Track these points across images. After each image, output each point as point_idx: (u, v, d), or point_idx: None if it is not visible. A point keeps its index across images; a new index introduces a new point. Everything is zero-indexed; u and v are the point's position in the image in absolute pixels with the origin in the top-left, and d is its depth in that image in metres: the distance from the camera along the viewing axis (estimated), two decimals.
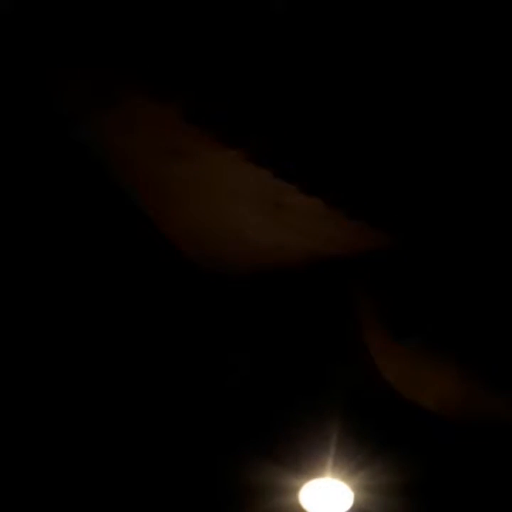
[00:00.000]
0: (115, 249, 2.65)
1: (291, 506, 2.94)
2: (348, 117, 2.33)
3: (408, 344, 2.63)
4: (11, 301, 2.69)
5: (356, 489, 2.91)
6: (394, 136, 2.35)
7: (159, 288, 2.73)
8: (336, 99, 2.30)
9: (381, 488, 2.89)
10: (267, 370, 2.88)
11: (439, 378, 2.61)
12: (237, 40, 2.22)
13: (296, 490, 2.93)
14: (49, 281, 2.69)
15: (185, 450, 2.93)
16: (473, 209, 2.47)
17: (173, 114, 2.26)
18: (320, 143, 2.36)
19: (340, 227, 2.48)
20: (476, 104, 2.32)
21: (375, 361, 2.69)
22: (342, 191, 2.41)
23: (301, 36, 2.23)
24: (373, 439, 2.85)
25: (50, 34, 2.21)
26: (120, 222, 2.59)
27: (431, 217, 2.48)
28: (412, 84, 2.29)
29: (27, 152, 2.43)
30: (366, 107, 2.31)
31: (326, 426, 2.83)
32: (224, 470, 2.92)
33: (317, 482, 2.92)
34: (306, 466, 2.90)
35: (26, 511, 2.89)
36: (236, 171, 2.38)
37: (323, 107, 2.31)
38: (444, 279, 2.58)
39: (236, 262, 2.66)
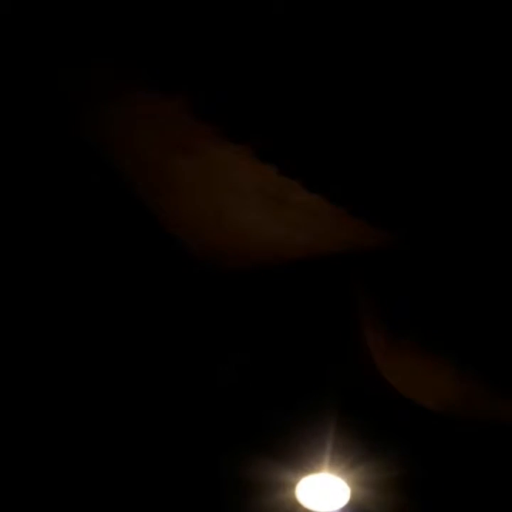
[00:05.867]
0: (115, 242, 2.64)
1: (287, 501, 2.94)
2: (351, 115, 2.33)
3: (407, 342, 2.63)
4: (10, 295, 2.68)
5: (353, 485, 2.92)
6: (396, 134, 2.35)
7: (158, 282, 2.73)
8: (338, 97, 2.30)
9: (378, 484, 2.90)
10: (264, 366, 2.88)
11: (438, 376, 2.62)
12: (242, 34, 2.22)
13: (292, 485, 2.93)
14: (46, 274, 2.68)
15: (181, 446, 2.93)
16: (474, 208, 2.47)
17: (177, 108, 2.26)
18: (323, 139, 2.35)
19: (342, 224, 2.48)
20: (477, 101, 2.33)
21: (373, 358, 2.69)
22: (345, 188, 2.41)
23: (302, 32, 2.23)
24: (370, 436, 2.86)
25: (53, 28, 2.20)
26: (121, 216, 2.58)
27: (432, 216, 2.49)
28: (412, 83, 2.29)
29: (28, 148, 2.42)
30: (368, 105, 2.31)
31: (323, 422, 2.84)
32: (220, 466, 2.92)
33: (314, 477, 2.93)
34: (302, 461, 2.90)
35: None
36: (239, 167, 2.37)
37: (326, 104, 2.30)
38: (444, 277, 2.59)
39: (236, 257, 2.66)
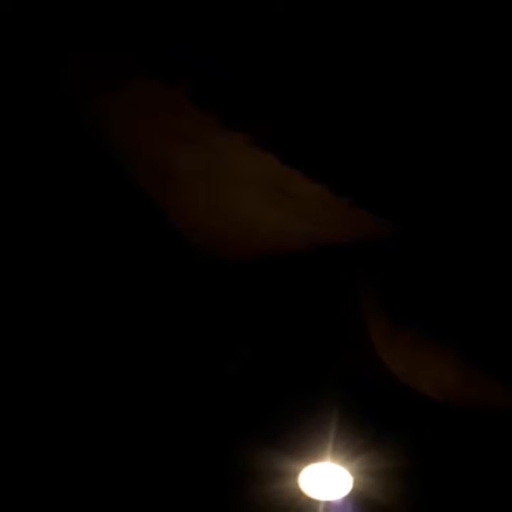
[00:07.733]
0: (117, 234, 2.65)
1: (290, 490, 2.96)
2: (354, 107, 2.33)
3: (408, 332, 2.64)
4: (13, 289, 2.69)
5: (355, 473, 2.94)
6: (399, 126, 2.36)
7: (161, 274, 2.74)
8: (341, 89, 2.31)
9: (380, 473, 2.92)
10: (267, 357, 2.89)
11: (438, 365, 2.62)
12: (243, 23, 2.23)
13: (295, 474, 2.95)
14: (48, 269, 2.69)
15: (185, 436, 2.95)
16: (474, 198, 2.48)
17: (179, 97, 2.26)
18: (326, 129, 2.36)
19: (344, 214, 2.49)
20: (479, 93, 2.33)
21: (375, 348, 2.70)
22: (347, 179, 2.41)
23: (304, 24, 2.24)
24: (372, 424, 2.88)
25: (54, 17, 2.21)
26: (122, 208, 2.59)
27: (433, 206, 2.49)
28: (413, 77, 2.30)
29: (31, 140, 2.43)
30: (372, 96, 2.32)
31: (325, 411, 2.85)
32: (224, 455, 2.94)
33: (317, 466, 2.94)
34: (305, 450, 2.92)
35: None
36: (241, 156, 2.38)
37: (329, 94, 2.31)
38: (445, 267, 2.59)
39: (238, 248, 2.67)
